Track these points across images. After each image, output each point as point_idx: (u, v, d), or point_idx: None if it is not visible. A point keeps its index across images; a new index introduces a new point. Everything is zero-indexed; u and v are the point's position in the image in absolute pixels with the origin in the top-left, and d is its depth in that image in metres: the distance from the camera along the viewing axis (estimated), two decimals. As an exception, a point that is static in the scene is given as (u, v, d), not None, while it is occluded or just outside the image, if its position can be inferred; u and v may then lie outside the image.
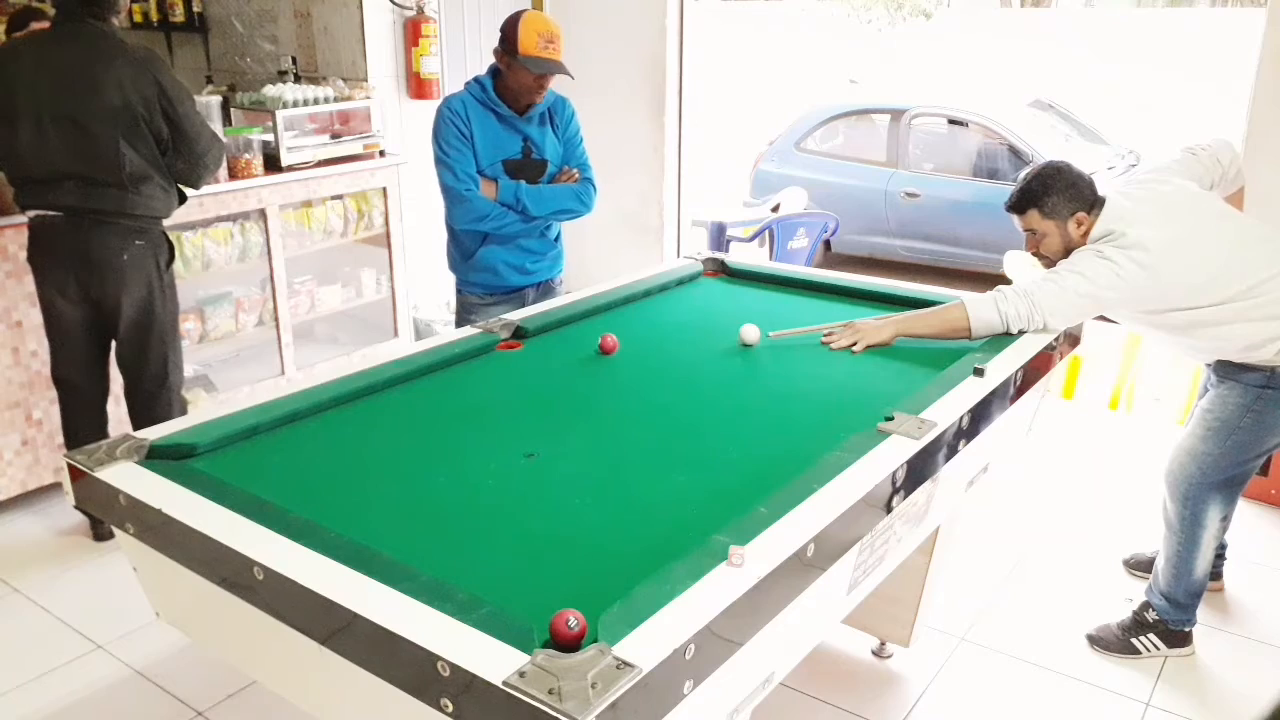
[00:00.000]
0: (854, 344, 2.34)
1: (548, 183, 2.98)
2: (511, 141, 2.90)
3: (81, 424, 3.17)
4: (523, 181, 2.91)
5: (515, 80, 2.81)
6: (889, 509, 1.72)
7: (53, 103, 2.85)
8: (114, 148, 2.87)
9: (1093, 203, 2.44)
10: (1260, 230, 2.48)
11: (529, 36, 2.73)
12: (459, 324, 3.08)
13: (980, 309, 2.33)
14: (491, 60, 2.90)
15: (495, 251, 3.00)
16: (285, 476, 1.77)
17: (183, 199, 3.16)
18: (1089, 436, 4.09)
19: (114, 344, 3.17)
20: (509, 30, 2.78)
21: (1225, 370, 2.51)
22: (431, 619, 1.27)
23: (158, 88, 2.90)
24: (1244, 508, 3.44)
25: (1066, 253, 2.43)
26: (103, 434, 3.16)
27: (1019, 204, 2.49)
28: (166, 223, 3.13)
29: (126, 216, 2.95)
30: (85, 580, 3.02)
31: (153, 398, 3.17)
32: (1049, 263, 2.48)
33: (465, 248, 3.04)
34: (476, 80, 2.92)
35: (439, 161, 2.87)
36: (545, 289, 3.14)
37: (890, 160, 7.16)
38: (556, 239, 3.15)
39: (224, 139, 3.66)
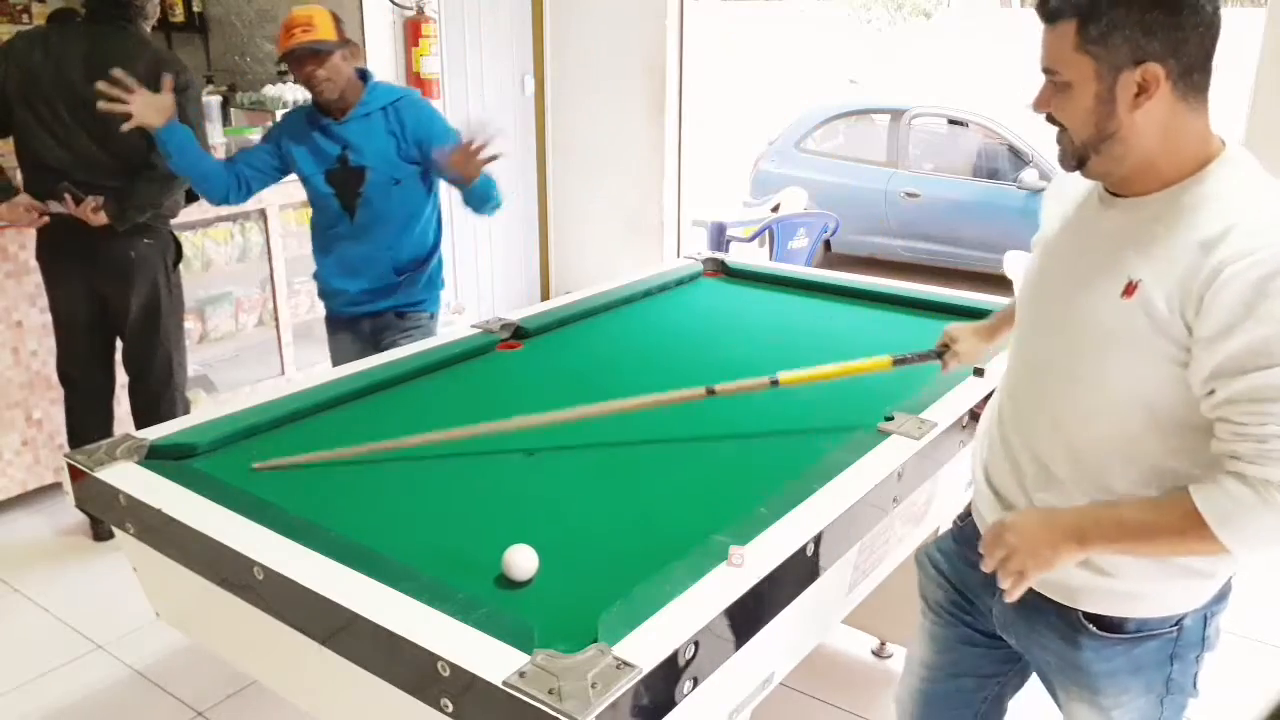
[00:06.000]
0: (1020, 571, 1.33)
1: (379, 184, 2.67)
2: (331, 150, 2.68)
3: (86, 422, 3.17)
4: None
5: (299, 84, 2.64)
6: (889, 509, 1.72)
7: (72, 87, 2.87)
8: (126, 138, 2.89)
9: (1191, 68, 1.20)
10: None
11: (281, 36, 2.57)
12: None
13: (1248, 516, 1.18)
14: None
15: (328, 267, 2.82)
16: (285, 477, 1.77)
17: (192, 198, 3.18)
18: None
19: (120, 342, 3.18)
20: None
21: (1090, 657, 1.40)
22: (431, 619, 1.27)
23: (175, 89, 2.90)
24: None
25: (1096, 142, 1.24)
26: (107, 432, 3.17)
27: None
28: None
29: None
30: (85, 580, 3.02)
31: (158, 396, 3.18)
32: (1068, 153, 1.29)
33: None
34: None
35: None
36: (392, 323, 2.82)
37: (890, 160, 7.16)
38: (422, 262, 2.82)
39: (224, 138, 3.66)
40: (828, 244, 6.91)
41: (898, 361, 1.90)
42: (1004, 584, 1.33)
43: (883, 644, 2.66)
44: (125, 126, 2.50)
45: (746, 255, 4.92)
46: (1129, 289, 1.23)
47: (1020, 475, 1.41)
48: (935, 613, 1.64)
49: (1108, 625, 1.38)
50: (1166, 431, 1.27)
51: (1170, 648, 1.38)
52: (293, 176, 2.77)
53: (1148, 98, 1.20)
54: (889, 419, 1.86)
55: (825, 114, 7.63)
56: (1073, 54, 1.21)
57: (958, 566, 1.59)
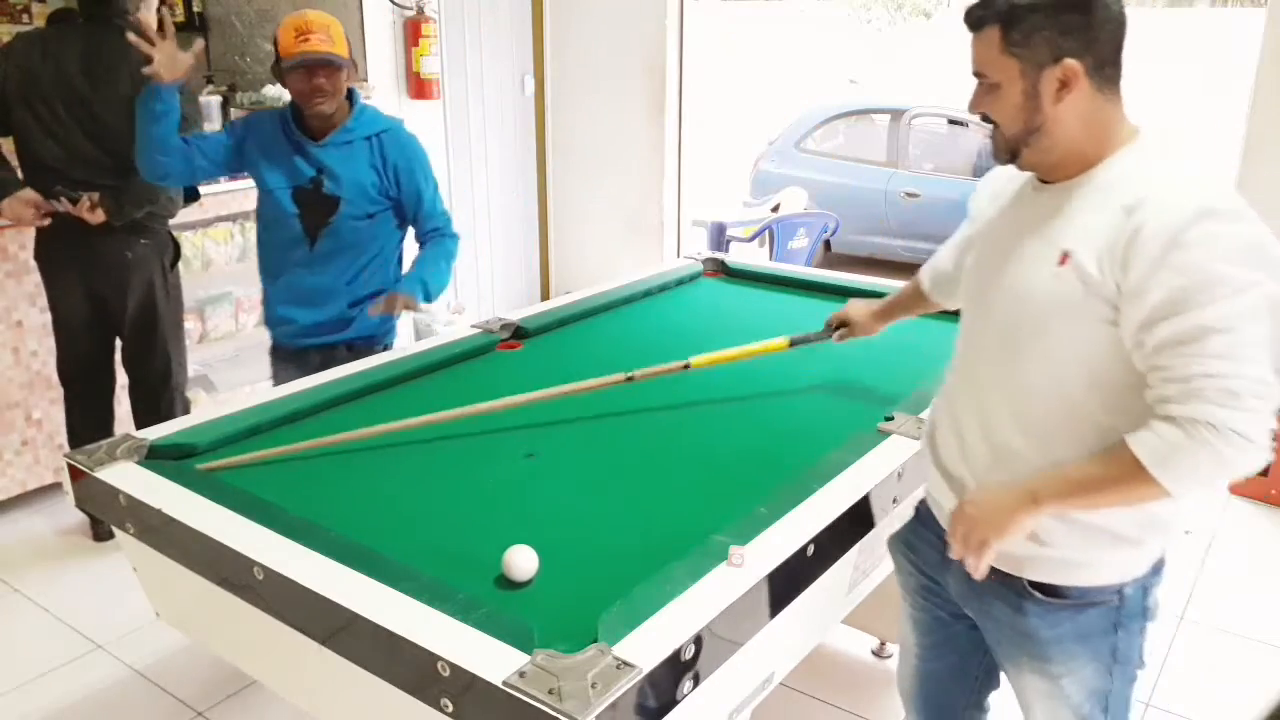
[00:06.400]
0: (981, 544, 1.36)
1: (351, 217, 2.48)
2: (305, 170, 2.47)
3: (86, 421, 3.17)
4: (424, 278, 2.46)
5: (294, 91, 2.43)
6: (889, 509, 1.72)
7: (69, 86, 2.88)
8: (121, 135, 2.89)
9: (1104, 62, 1.31)
10: None
11: (286, 37, 2.37)
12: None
13: (1177, 457, 1.22)
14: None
15: (276, 293, 2.58)
16: (285, 476, 1.77)
17: (191, 198, 3.18)
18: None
19: (119, 342, 3.19)
20: (273, 45, 2.44)
21: (1037, 624, 1.44)
22: (431, 619, 1.27)
23: None
24: (1243, 507, 3.45)
25: (1024, 135, 1.35)
26: (108, 432, 3.17)
27: (984, 9, 1.33)
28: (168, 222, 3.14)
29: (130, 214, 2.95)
30: (85, 580, 3.02)
31: (157, 397, 3.18)
32: (1000, 147, 1.40)
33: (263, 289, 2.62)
34: (291, 104, 2.55)
35: None
36: (343, 357, 2.47)
37: (890, 160, 7.16)
38: (379, 294, 2.52)
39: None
40: (828, 244, 6.91)
41: (794, 342, 2.12)
42: (969, 563, 1.37)
43: (883, 644, 2.66)
44: (146, 70, 2.34)
45: (746, 255, 4.92)
46: (1063, 259, 1.32)
47: (966, 451, 1.47)
48: (912, 597, 1.69)
49: (1051, 592, 1.43)
50: (1106, 393, 1.33)
51: (1113, 616, 1.44)
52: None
53: (1068, 91, 1.30)
54: (889, 419, 1.86)
55: (825, 114, 7.64)
56: (999, 57, 1.32)
57: (918, 548, 1.64)
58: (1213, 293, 1.20)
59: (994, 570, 1.42)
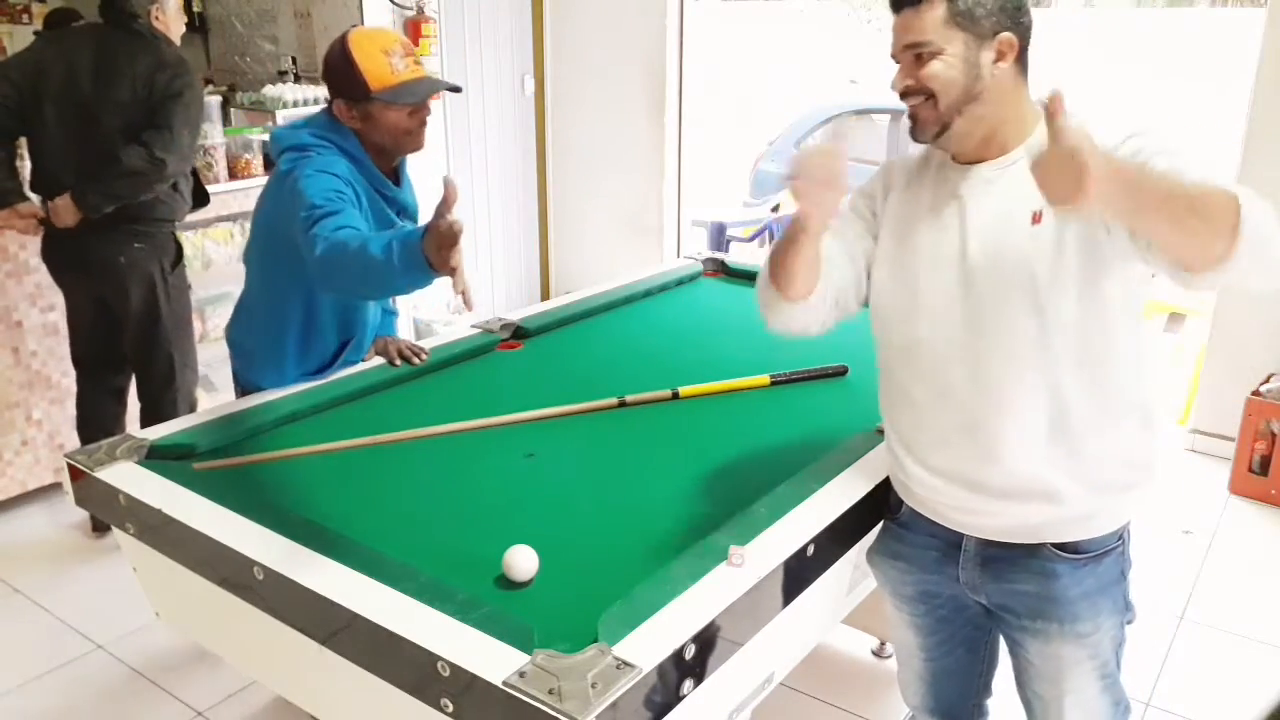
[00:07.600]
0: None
1: None
2: (396, 219, 2.11)
3: (93, 410, 3.19)
4: None
5: (384, 130, 1.97)
6: (889, 509, 1.72)
7: (75, 88, 2.89)
8: (116, 141, 2.89)
9: (1025, 47, 1.41)
10: None
11: (373, 60, 1.91)
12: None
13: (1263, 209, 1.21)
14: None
15: (365, 343, 2.30)
16: (285, 476, 1.77)
17: (201, 202, 3.17)
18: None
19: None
20: (341, 69, 1.93)
21: (1066, 583, 1.49)
22: (431, 619, 1.27)
23: (166, 92, 2.90)
24: (1244, 507, 3.45)
25: (963, 103, 1.39)
26: (117, 422, 3.19)
27: None
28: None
29: (125, 219, 2.94)
30: (85, 580, 3.02)
31: (159, 397, 3.18)
32: (931, 120, 1.40)
33: (316, 340, 2.16)
34: (333, 145, 1.96)
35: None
36: None
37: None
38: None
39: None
40: (828, 244, 6.90)
41: (775, 380, 2.17)
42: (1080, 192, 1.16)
43: (883, 644, 2.66)
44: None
45: (746, 255, 4.92)
46: (1035, 217, 1.37)
47: (984, 435, 1.45)
48: (911, 605, 1.67)
49: (1073, 550, 1.49)
50: (1137, 317, 1.42)
51: (1120, 563, 1.53)
52: None
53: (1004, 62, 1.38)
54: (889, 419, 1.85)
55: (825, 114, 7.64)
56: (944, 29, 1.37)
57: (908, 554, 1.63)
58: (1174, 148, 1.30)
59: (1013, 545, 1.50)
